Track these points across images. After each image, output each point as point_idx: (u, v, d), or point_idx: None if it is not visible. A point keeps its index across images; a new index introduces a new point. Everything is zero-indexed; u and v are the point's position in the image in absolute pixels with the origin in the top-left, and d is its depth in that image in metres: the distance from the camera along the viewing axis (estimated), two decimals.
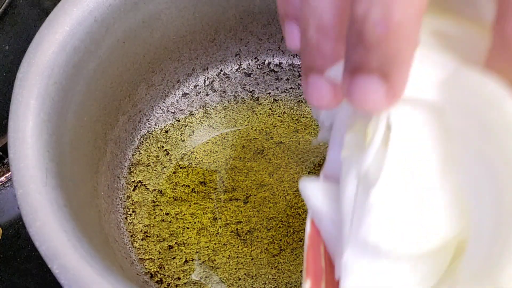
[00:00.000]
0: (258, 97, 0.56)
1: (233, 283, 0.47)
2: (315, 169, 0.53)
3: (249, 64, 0.59)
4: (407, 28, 0.20)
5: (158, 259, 0.48)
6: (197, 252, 0.48)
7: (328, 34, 0.22)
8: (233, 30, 0.55)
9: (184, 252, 0.48)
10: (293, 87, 0.58)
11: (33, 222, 0.33)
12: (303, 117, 0.56)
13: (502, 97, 0.21)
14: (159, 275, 0.47)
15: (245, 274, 0.48)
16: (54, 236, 0.32)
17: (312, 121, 0.55)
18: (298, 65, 0.59)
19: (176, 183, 0.52)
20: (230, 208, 0.51)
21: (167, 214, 0.50)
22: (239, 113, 0.56)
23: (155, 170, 0.53)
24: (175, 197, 0.51)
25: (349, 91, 0.21)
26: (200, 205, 0.51)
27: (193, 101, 0.57)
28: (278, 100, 0.57)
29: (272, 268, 0.48)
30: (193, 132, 0.55)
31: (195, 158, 0.53)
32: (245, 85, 0.58)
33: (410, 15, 0.19)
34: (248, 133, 0.55)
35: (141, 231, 0.49)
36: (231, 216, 0.50)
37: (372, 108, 0.21)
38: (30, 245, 0.51)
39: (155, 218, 0.50)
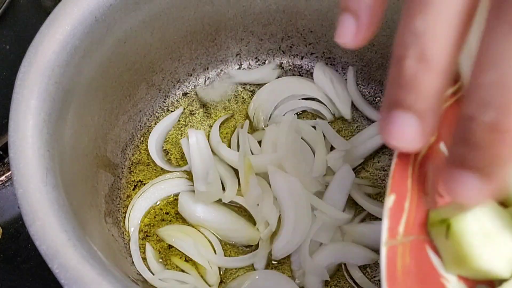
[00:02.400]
0: None
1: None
2: None
3: (250, 64, 0.59)
4: None
5: (158, 258, 0.48)
6: None
7: (432, 68, 0.20)
8: (233, 30, 0.55)
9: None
10: None
11: (33, 222, 0.33)
12: (303, 116, 0.56)
13: None
14: None
15: (244, 273, 0.48)
16: (54, 235, 0.32)
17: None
18: (299, 64, 0.59)
19: None
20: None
21: (167, 213, 0.51)
22: (239, 113, 0.56)
23: (155, 170, 0.53)
24: (175, 197, 0.51)
25: (447, 182, 0.21)
26: None
27: (193, 100, 0.57)
28: None
29: (272, 268, 0.48)
30: None
31: None
32: (246, 85, 0.58)
33: None
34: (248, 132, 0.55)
35: (141, 230, 0.50)
36: None
37: (469, 201, 0.21)
38: (30, 244, 0.51)
39: (155, 217, 0.50)
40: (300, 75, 0.59)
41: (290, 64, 0.59)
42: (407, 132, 0.21)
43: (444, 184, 0.22)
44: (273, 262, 0.48)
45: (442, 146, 0.28)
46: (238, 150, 0.51)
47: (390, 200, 0.25)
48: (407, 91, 0.20)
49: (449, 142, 0.21)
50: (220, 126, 0.55)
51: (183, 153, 0.53)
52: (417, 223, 0.26)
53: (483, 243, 0.24)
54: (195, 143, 0.50)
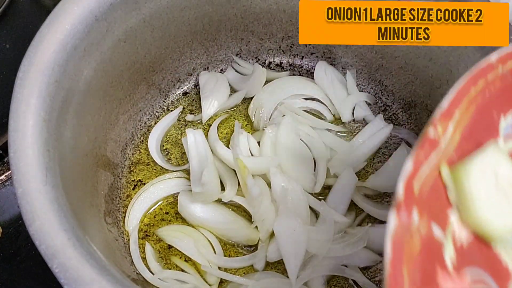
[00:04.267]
0: None
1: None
2: None
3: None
4: None
5: (158, 258, 0.48)
6: None
7: None
8: (234, 30, 0.55)
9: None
10: None
11: (33, 221, 0.33)
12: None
13: None
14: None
15: (244, 273, 0.48)
16: (54, 235, 0.32)
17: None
18: (299, 64, 0.59)
19: None
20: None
21: (166, 213, 0.51)
22: (239, 112, 0.56)
23: (155, 169, 0.53)
24: (175, 197, 0.51)
25: None
26: None
27: (193, 100, 0.57)
28: None
29: (272, 268, 0.48)
30: None
31: None
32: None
33: None
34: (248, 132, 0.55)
35: (141, 230, 0.50)
36: None
37: None
38: (30, 243, 0.51)
39: (154, 217, 0.50)
40: (300, 74, 0.59)
41: (290, 63, 0.59)
42: None
43: None
44: (272, 263, 0.48)
45: (435, 228, 0.27)
46: None
47: None
48: None
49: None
50: (220, 126, 0.55)
51: (183, 152, 0.53)
52: None
53: None
54: (193, 142, 0.50)
